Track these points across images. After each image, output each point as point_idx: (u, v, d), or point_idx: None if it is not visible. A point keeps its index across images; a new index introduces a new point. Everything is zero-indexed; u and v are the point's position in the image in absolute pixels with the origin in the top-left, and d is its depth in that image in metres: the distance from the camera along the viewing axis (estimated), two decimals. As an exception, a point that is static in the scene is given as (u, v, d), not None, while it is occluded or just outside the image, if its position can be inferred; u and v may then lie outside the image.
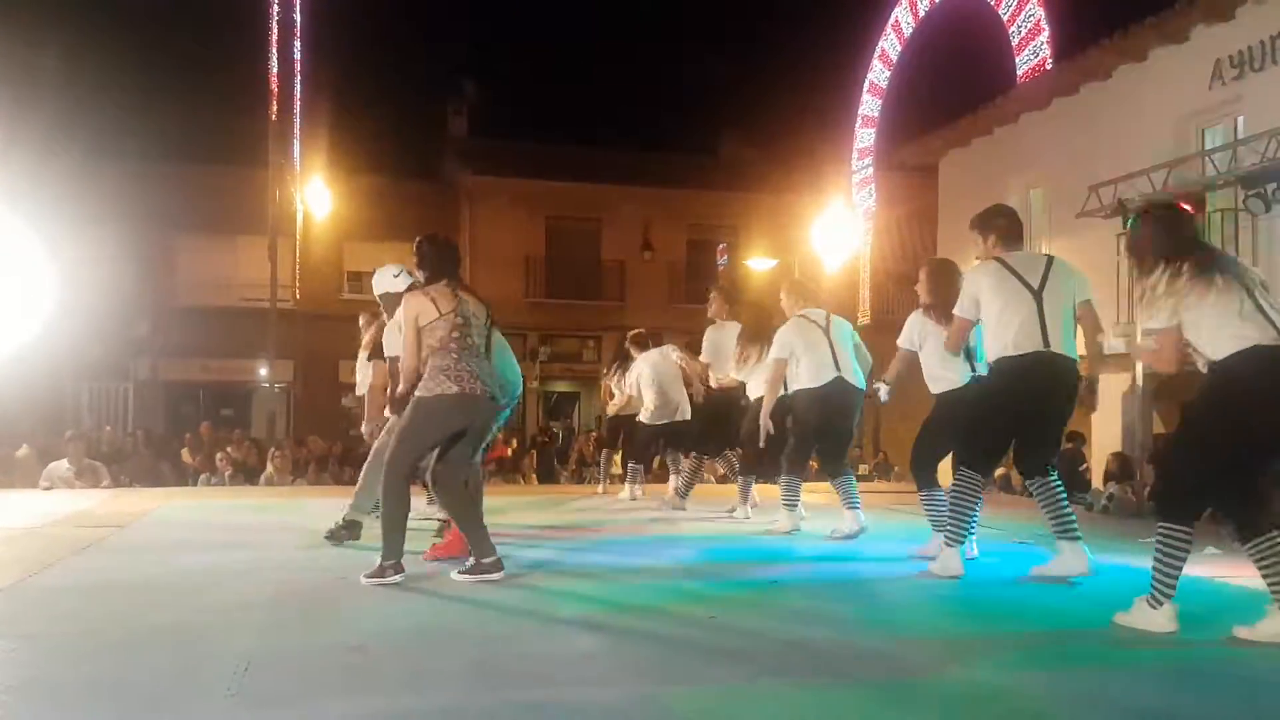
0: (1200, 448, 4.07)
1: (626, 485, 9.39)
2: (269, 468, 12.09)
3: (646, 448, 9.29)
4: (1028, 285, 5.04)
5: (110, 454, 13.24)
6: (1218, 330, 3.95)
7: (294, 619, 4.29)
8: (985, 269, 5.19)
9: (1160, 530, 4.09)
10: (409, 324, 5.14)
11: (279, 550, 6.09)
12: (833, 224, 18.70)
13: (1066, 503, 5.22)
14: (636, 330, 9.82)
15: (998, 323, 5.04)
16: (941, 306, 5.81)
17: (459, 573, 5.12)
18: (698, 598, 4.83)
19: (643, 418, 8.95)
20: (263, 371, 22.08)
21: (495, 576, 5.05)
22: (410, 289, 6.34)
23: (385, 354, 6.41)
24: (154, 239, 22.53)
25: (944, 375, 5.96)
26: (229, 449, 13.29)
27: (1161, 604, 4.06)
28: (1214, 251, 4.27)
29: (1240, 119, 11.43)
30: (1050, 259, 5.27)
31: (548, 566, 5.57)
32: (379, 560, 5.04)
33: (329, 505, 8.55)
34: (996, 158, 15.60)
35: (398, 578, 5.01)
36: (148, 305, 22.21)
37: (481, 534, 5.17)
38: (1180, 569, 4.06)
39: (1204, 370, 4.05)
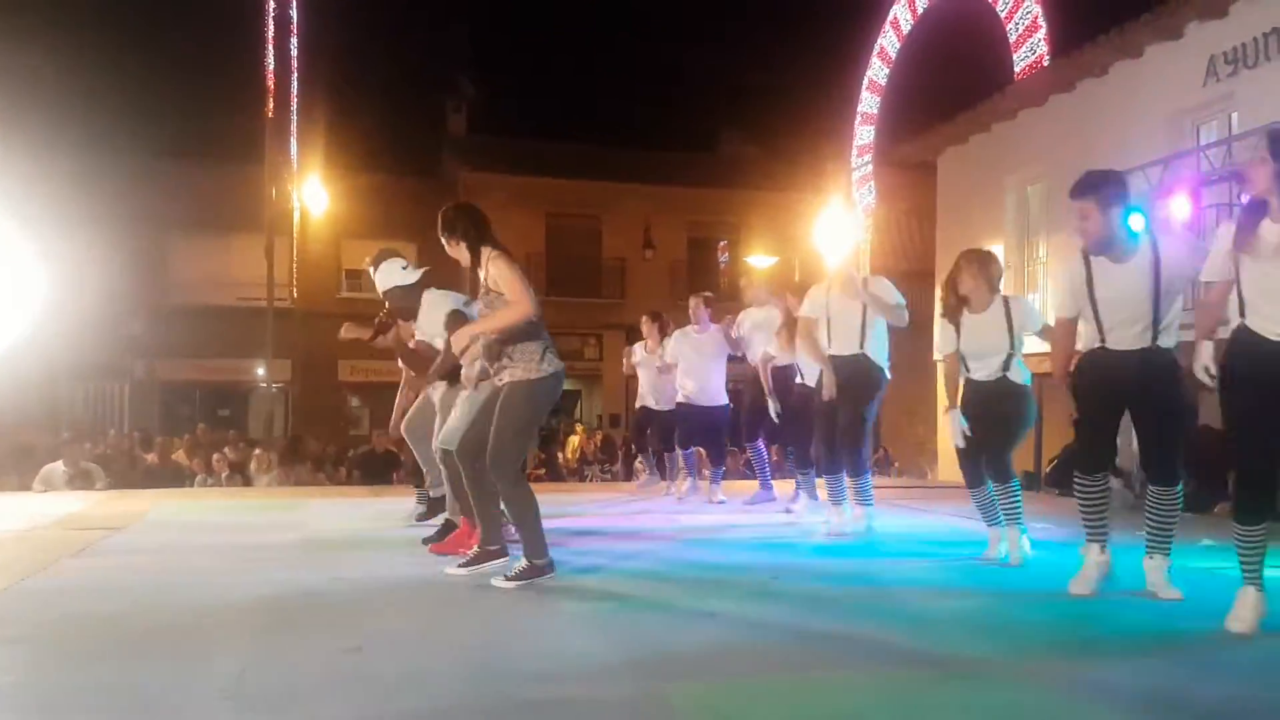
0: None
1: (687, 481, 9.07)
2: (252, 467, 12.06)
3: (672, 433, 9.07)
4: None
5: (107, 456, 13.21)
6: None
7: (290, 621, 4.27)
8: None
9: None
10: (518, 271, 4.84)
11: (275, 552, 6.07)
12: (833, 221, 18.68)
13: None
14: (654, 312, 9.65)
15: None
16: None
17: (501, 577, 4.95)
18: (698, 593, 4.82)
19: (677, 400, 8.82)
20: (260, 371, 22.06)
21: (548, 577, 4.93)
22: (425, 277, 6.31)
23: (417, 338, 6.31)
24: (150, 237, 22.47)
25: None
26: (225, 450, 13.27)
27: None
28: None
29: (1234, 115, 11.43)
30: None
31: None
32: (525, 560, 4.88)
33: (325, 507, 8.59)
34: (995, 154, 15.58)
35: (551, 575, 4.91)
36: (144, 304, 22.16)
37: (539, 530, 4.94)
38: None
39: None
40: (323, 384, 23.51)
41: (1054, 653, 3.81)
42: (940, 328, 5.98)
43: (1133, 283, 4.61)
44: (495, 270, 4.87)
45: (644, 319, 9.53)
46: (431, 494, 6.85)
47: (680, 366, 8.75)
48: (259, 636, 3.98)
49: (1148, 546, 4.74)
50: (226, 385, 23.91)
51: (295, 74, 21.75)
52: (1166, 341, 4.64)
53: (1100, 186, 4.67)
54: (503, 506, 5.17)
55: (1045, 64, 14.30)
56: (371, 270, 6.43)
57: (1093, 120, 13.27)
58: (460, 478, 5.46)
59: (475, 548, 5.33)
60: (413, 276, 6.23)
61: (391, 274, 6.26)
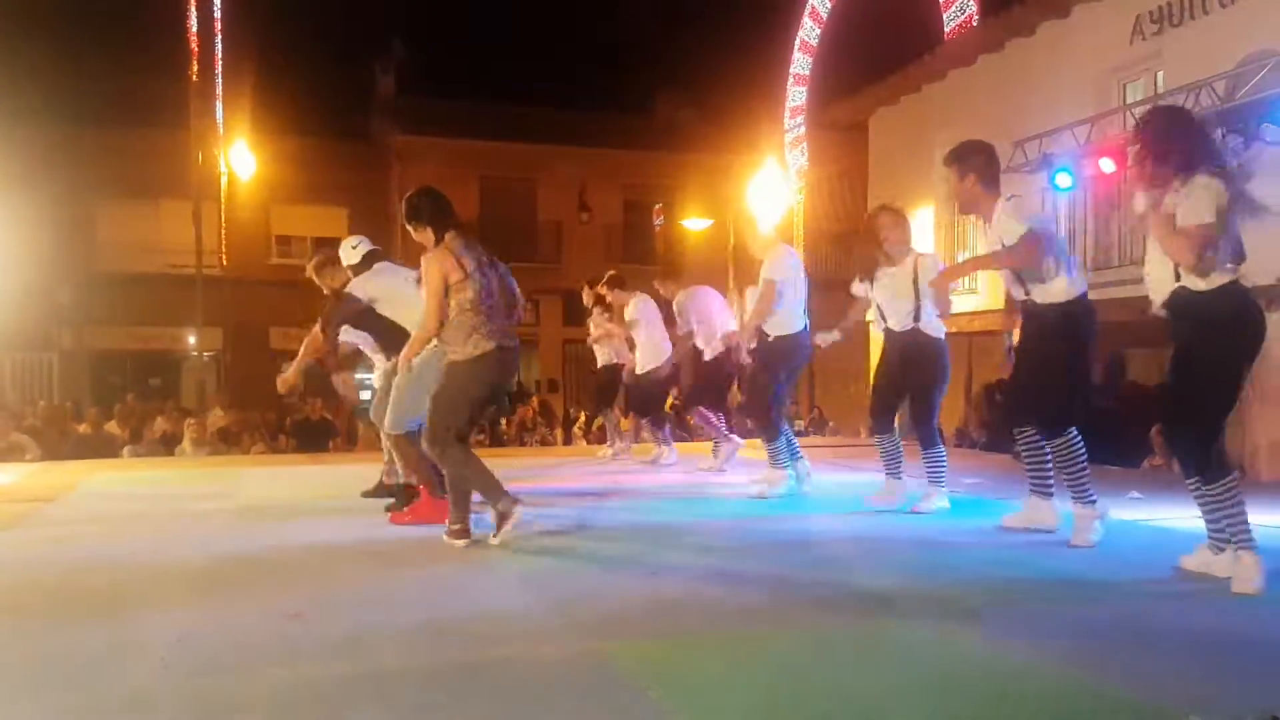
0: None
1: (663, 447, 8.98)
2: (184, 440, 11.88)
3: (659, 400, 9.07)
4: None
5: (37, 428, 12.94)
6: None
7: (229, 588, 4.26)
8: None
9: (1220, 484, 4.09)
10: (436, 284, 5.05)
11: (212, 520, 6.03)
12: (767, 184, 18.75)
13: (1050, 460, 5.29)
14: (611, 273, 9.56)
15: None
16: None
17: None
18: (639, 555, 4.89)
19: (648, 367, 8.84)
20: (191, 340, 21.69)
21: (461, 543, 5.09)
22: (369, 257, 6.29)
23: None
24: (75, 204, 21.89)
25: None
26: (160, 419, 13.07)
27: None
28: None
29: (1160, 74, 11.64)
30: None
31: (489, 527, 5.57)
32: (495, 517, 5.11)
33: (262, 475, 8.52)
34: (925, 115, 15.72)
35: (465, 541, 5.08)
36: (71, 273, 21.59)
37: (468, 503, 5.19)
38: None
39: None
40: (255, 351, 23.13)
41: (980, 595, 3.93)
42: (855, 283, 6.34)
43: (989, 244, 5.23)
44: (424, 270, 5.16)
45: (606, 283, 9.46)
46: (385, 480, 6.66)
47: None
48: (198, 603, 3.97)
49: (1070, 497, 5.03)
50: (157, 354, 23.49)
51: (219, 36, 21.22)
52: (1039, 296, 4.97)
53: (963, 157, 5.20)
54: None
55: (974, 24, 14.44)
56: (313, 273, 6.61)
57: (1021, 80, 13.43)
58: (412, 450, 5.74)
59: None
60: (357, 257, 6.27)
61: (347, 253, 6.32)
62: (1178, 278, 4.04)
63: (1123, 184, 10.03)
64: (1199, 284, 3.99)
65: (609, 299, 9.20)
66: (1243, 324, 4.03)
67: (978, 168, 5.15)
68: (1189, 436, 4.13)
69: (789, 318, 6.60)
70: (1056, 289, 4.91)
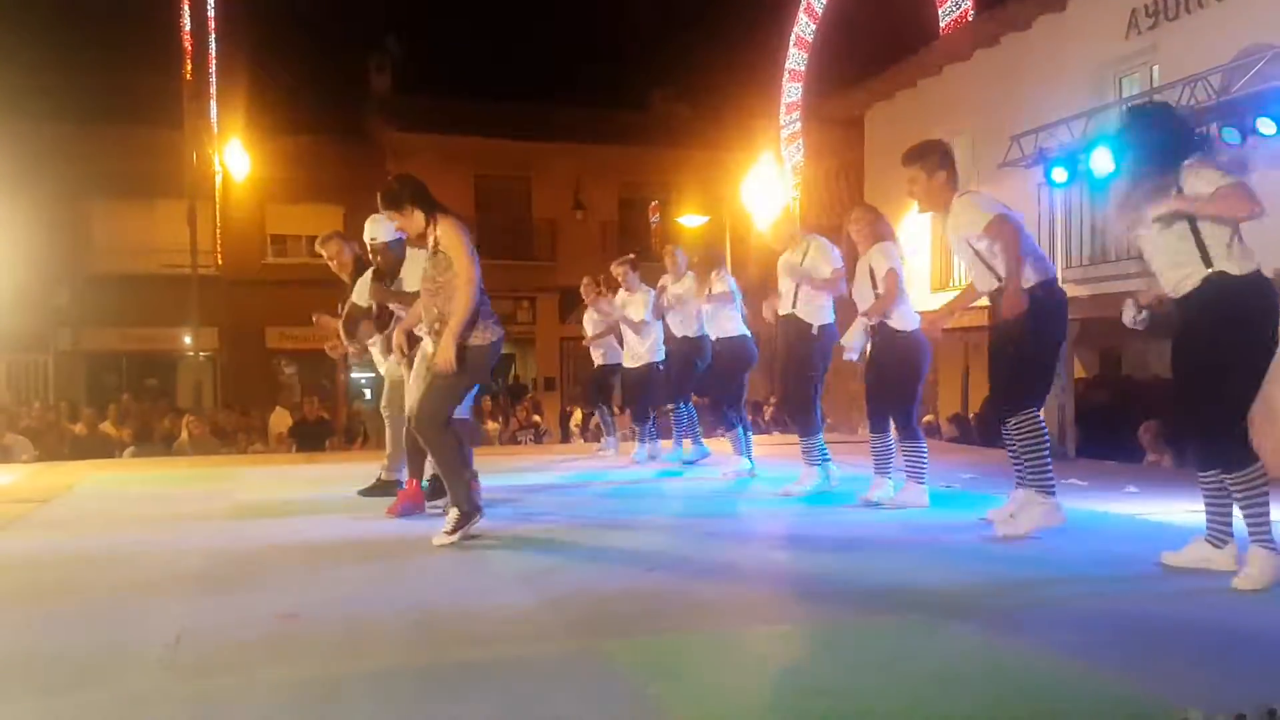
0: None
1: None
2: (183, 435, 11.88)
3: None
4: None
5: (33, 429, 12.93)
6: None
7: (225, 589, 4.24)
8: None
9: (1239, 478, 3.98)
10: (467, 245, 4.98)
11: (207, 521, 6.02)
12: (762, 180, 18.75)
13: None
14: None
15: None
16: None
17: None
18: (636, 553, 4.88)
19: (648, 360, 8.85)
20: (187, 340, 21.65)
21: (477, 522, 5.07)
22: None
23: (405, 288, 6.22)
24: (69, 204, 21.80)
25: None
26: (165, 420, 13.09)
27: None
28: None
29: (1155, 68, 11.64)
30: None
31: (488, 528, 5.56)
32: (452, 516, 5.01)
33: (258, 474, 8.51)
34: (921, 110, 15.71)
35: (479, 522, 5.05)
36: (66, 274, 21.53)
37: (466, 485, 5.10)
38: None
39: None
40: (250, 351, 23.13)
41: (978, 591, 3.92)
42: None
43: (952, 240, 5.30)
44: (445, 236, 5.01)
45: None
46: (384, 476, 6.72)
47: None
48: (194, 603, 3.96)
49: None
50: (153, 354, 23.41)
51: (213, 34, 21.19)
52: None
53: (924, 155, 5.27)
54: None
55: (970, 19, 14.43)
56: (322, 249, 6.73)
57: (1017, 74, 13.43)
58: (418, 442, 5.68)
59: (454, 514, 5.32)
60: (389, 234, 6.22)
61: (381, 225, 6.17)
62: (1207, 264, 3.91)
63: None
64: (1233, 268, 3.89)
65: (622, 279, 8.99)
66: (1268, 312, 3.94)
67: (947, 165, 5.25)
68: (1216, 429, 3.97)
69: (829, 311, 6.63)
70: (1025, 275, 4.93)
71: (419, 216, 5.12)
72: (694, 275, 8.08)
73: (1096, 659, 3.09)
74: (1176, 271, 4.02)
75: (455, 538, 4.98)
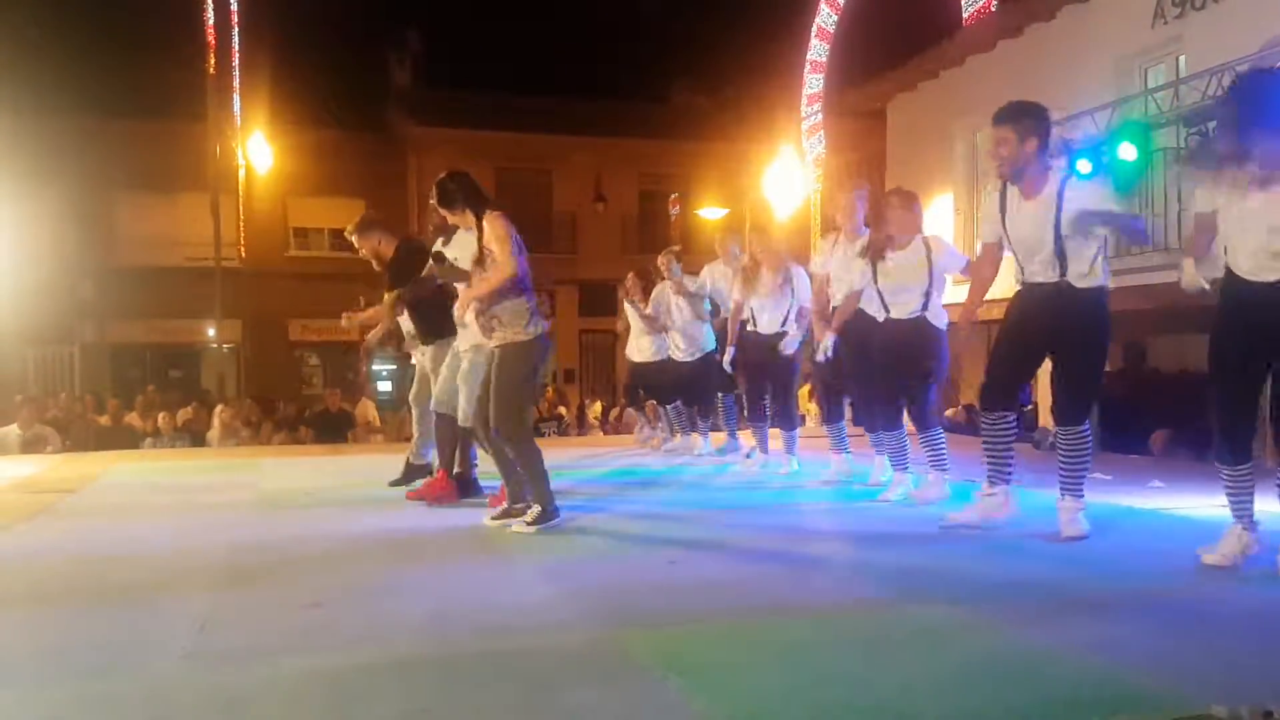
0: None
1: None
2: (214, 424, 11.99)
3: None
4: None
5: (60, 419, 13.05)
6: None
7: (248, 578, 4.27)
8: None
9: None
10: (509, 233, 5.05)
11: (231, 510, 6.06)
12: (783, 172, 18.68)
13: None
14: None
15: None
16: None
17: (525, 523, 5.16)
18: (657, 544, 4.88)
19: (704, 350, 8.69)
20: (210, 332, 21.78)
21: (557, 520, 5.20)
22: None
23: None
24: (94, 197, 22.01)
25: None
26: (186, 410, 13.19)
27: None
28: None
29: (1182, 58, 11.53)
30: None
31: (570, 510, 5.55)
32: (535, 511, 5.14)
33: (281, 465, 8.56)
34: (943, 101, 15.62)
35: (559, 520, 5.18)
36: (91, 266, 21.74)
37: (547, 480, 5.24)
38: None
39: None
40: (274, 343, 23.28)
41: (998, 583, 3.90)
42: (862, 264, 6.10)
43: (1037, 218, 4.66)
44: (490, 229, 5.09)
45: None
46: (413, 460, 6.77)
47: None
48: (218, 593, 3.98)
49: (1060, 488, 4.81)
50: (177, 346, 23.60)
51: (236, 28, 21.28)
52: (1080, 281, 4.63)
53: (1021, 116, 4.73)
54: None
55: (993, 9, 14.32)
56: (362, 241, 6.75)
57: (1041, 65, 13.32)
58: (449, 434, 5.99)
59: (504, 505, 5.46)
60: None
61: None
62: None
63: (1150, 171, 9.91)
64: None
65: (665, 269, 8.73)
66: None
67: (1041, 134, 4.72)
68: None
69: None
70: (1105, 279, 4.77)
71: (469, 218, 5.25)
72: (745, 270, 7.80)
73: (1121, 654, 3.07)
74: None
75: (533, 530, 5.10)
